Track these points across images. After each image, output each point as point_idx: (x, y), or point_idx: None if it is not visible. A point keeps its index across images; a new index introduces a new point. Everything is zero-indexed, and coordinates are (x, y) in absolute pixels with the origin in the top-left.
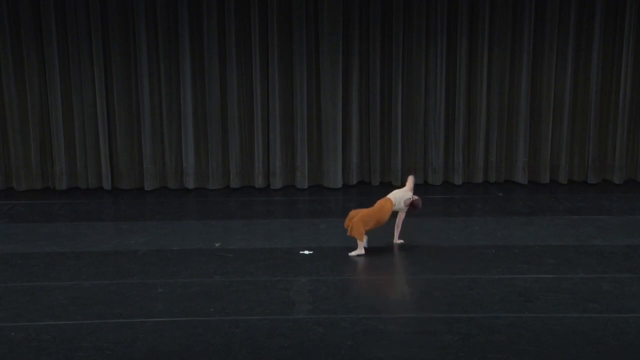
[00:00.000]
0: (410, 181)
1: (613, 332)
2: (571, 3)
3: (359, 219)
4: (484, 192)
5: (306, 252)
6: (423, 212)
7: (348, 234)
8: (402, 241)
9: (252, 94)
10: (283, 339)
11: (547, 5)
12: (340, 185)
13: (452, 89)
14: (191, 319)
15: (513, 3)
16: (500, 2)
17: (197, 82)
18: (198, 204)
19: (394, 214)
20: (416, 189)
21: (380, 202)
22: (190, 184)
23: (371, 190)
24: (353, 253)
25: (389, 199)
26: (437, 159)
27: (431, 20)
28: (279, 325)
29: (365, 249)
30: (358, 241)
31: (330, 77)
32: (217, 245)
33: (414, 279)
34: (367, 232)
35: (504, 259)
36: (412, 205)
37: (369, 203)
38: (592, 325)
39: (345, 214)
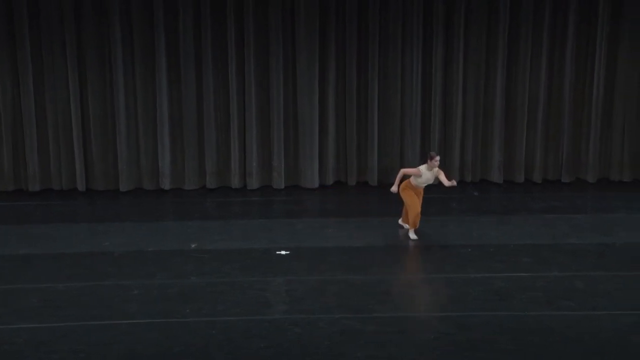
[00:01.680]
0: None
1: (587, 330)
2: (545, 6)
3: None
4: (459, 192)
5: (283, 252)
6: (400, 211)
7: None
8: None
9: (229, 95)
10: (260, 340)
11: (521, 7)
12: (316, 185)
13: (428, 89)
14: (168, 321)
15: (488, 5)
16: (476, 4)
17: (172, 82)
18: (174, 205)
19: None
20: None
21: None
22: (166, 184)
23: (347, 190)
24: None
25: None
26: (413, 159)
27: (407, 22)
28: (256, 325)
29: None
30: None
31: (306, 77)
32: (193, 246)
33: (390, 278)
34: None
35: (479, 258)
36: (429, 160)
37: (346, 203)
38: (567, 322)
39: (322, 214)
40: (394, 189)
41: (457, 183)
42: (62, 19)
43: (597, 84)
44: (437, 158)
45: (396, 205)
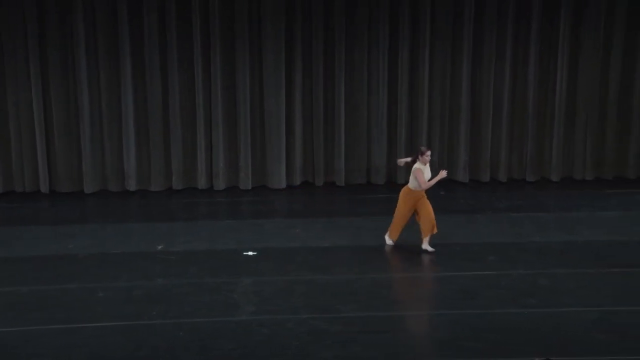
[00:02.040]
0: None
1: (551, 327)
2: (509, 6)
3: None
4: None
5: (250, 253)
6: (367, 211)
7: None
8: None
9: (195, 96)
10: (228, 341)
11: (485, 8)
12: (284, 186)
13: (394, 89)
14: (133, 323)
15: (453, 6)
16: (441, 5)
17: (137, 82)
18: (140, 206)
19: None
20: (359, 189)
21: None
22: (131, 186)
23: (315, 191)
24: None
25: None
26: (380, 158)
27: (373, 22)
28: (223, 327)
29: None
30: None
31: (273, 78)
32: (159, 247)
33: (357, 278)
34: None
35: (446, 257)
36: (419, 155)
37: (313, 203)
38: (531, 320)
39: (289, 215)
40: (437, 179)
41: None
42: (24, 19)
43: (559, 86)
44: (429, 152)
45: (363, 205)
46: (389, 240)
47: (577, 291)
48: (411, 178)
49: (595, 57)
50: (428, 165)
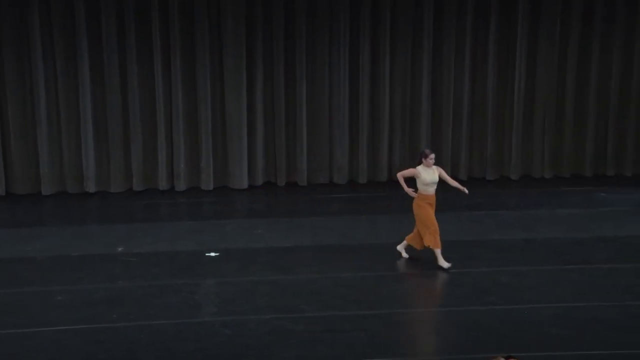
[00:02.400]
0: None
1: (513, 323)
2: (467, 6)
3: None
4: (388, 190)
5: (212, 254)
6: (329, 211)
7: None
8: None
9: (155, 96)
10: (190, 343)
11: (444, 10)
12: (246, 186)
13: (356, 89)
14: (93, 327)
15: (413, 6)
16: (401, 5)
17: (96, 83)
18: (99, 208)
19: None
20: (321, 189)
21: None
22: (90, 187)
23: (277, 191)
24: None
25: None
26: (342, 158)
27: (334, 22)
28: (185, 328)
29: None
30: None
31: (234, 78)
32: (120, 249)
33: (320, 277)
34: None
35: (408, 256)
36: (423, 158)
37: (275, 203)
38: (493, 317)
39: (251, 215)
40: (409, 191)
41: (385, 182)
42: None
43: (517, 86)
44: (432, 155)
45: (325, 204)
46: (404, 253)
47: (537, 288)
48: (418, 182)
49: (552, 57)
50: (434, 167)
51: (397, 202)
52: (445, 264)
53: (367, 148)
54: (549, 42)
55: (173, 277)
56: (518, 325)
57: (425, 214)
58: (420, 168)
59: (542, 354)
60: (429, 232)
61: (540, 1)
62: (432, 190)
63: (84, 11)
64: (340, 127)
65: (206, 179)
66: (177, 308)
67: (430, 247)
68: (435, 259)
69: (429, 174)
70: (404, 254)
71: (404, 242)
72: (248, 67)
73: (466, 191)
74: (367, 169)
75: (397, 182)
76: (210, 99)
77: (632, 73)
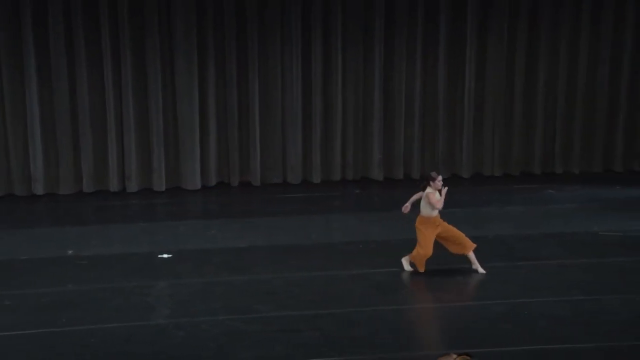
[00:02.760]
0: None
1: (466, 319)
2: (418, 7)
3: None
4: (341, 190)
5: (165, 255)
6: (283, 211)
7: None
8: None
9: (104, 95)
10: (143, 346)
11: (395, 7)
12: (199, 186)
13: (308, 88)
14: (42, 331)
15: (364, 5)
16: (352, 4)
17: (43, 82)
18: (49, 210)
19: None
20: (275, 189)
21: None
22: (39, 189)
23: (230, 191)
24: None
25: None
26: (296, 158)
27: (286, 20)
28: (138, 331)
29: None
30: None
31: (185, 77)
32: (70, 252)
33: (274, 277)
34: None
35: (362, 255)
36: (431, 182)
37: (229, 204)
38: (447, 313)
39: (205, 216)
40: (406, 207)
41: (339, 181)
42: None
43: (468, 86)
44: (440, 178)
45: (279, 204)
46: (407, 266)
47: (488, 284)
48: (423, 204)
49: (501, 58)
50: (439, 191)
51: (349, 202)
52: (407, 267)
53: (320, 148)
54: (497, 44)
55: (125, 280)
56: (471, 321)
57: (428, 234)
58: (431, 190)
59: (494, 349)
60: (421, 253)
61: (488, 4)
62: (436, 212)
63: (30, 13)
64: (293, 127)
65: (158, 179)
66: (129, 311)
67: (414, 261)
68: (403, 262)
69: (438, 198)
70: (480, 270)
71: (472, 257)
72: (199, 67)
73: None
74: (320, 168)
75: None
76: (161, 99)
77: (578, 74)
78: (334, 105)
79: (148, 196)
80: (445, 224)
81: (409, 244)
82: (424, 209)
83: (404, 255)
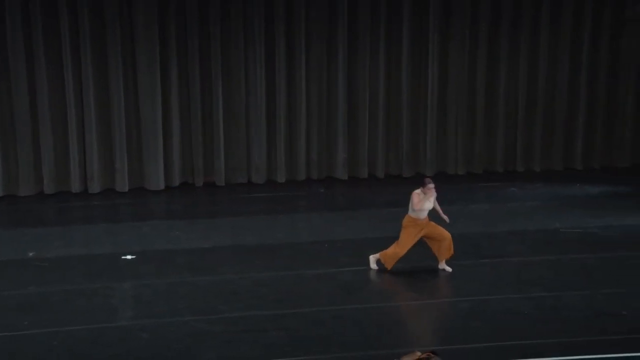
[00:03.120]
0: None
1: (432, 317)
2: (380, 6)
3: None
4: (306, 189)
5: (129, 256)
6: (248, 211)
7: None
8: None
9: (64, 95)
10: (106, 348)
11: (358, 8)
12: (162, 187)
13: (272, 88)
14: (4, 335)
15: (328, 7)
16: (316, 4)
17: (1, 83)
18: (8, 212)
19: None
20: (240, 189)
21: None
22: None
23: (194, 191)
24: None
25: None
26: (260, 157)
27: (248, 20)
28: (102, 333)
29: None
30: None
31: (147, 76)
32: (31, 254)
33: (240, 278)
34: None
35: (327, 254)
36: (423, 187)
37: (193, 204)
38: (413, 311)
39: (169, 216)
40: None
41: (304, 180)
42: None
43: (431, 85)
44: (431, 185)
45: (244, 204)
46: (373, 264)
47: (453, 282)
48: (410, 205)
49: (462, 59)
50: (433, 198)
51: (314, 201)
52: (373, 265)
53: (284, 147)
54: (459, 45)
55: (88, 281)
56: (436, 319)
57: (409, 236)
58: (419, 192)
59: (459, 346)
60: (396, 251)
61: (449, 4)
62: (423, 215)
63: None
64: (257, 127)
65: (121, 180)
66: (92, 313)
67: (382, 259)
68: (370, 259)
69: (428, 203)
70: (447, 268)
71: (375, 256)
72: (162, 67)
73: (447, 220)
74: (285, 168)
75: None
76: (123, 98)
77: (538, 75)
78: (298, 105)
79: (111, 197)
80: (434, 225)
81: (375, 243)
82: (412, 211)
83: (371, 254)
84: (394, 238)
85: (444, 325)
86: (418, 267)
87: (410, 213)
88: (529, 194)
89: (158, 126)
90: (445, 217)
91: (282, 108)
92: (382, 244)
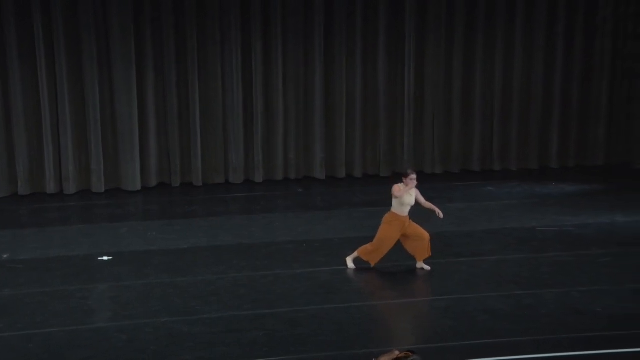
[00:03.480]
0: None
1: (409, 316)
2: (356, 5)
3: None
4: (284, 189)
5: (105, 258)
6: (226, 211)
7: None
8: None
9: (39, 94)
10: (83, 350)
11: (334, 7)
12: (139, 187)
13: (249, 88)
14: None
15: (304, 6)
16: (292, 4)
17: None
18: None
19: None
20: (217, 189)
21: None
22: None
23: (172, 192)
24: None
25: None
26: (237, 157)
27: (225, 18)
28: (78, 335)
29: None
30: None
31: (123, 76)
32: (5, 256)
33: (217, 278)
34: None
35: (305, 254)
36: (404, 178)
37: (170, 205)
38: (390, 310)
39: (146, 217)
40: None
41: (281, 180)
42: None
43: (407, 84)
44: (413, 176)
45: (221, 204)
46: (351, 264)
47: (430, 281)
48: (393, 200)
49: (439, 57)
50: (414, 192)
51: (292, 201)
52: (351, 265)
53: (262, 147)
54: (435, 44)
55: (64, 283)
56: (413, 318)
57: (389, 233)
58: (402, 185)
59: (436, 345)
60: (377, 248)
61: (425, 4)
62: (406, 211)
63: None
64: (234, 126)
65: (97, 181)
66: (69, 314)
67: (361, 255)
68: (347, 260)
69: (409, 197)
70: (426, 267)
71: (419, 261)
72: (138, 66)
73: (441, 215)
74: (262, 168)
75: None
76: (99, 98)
77: (513, 74)
78: (275, 105)
79: (87, 198)
80: (415, 225)
81: (353, 243)
82: (395, 206)
83: (348, 254)
84: (369, 237)
85: (421, 324)
86: (396, 266)
87: (393, 209)
88: (505, 193)
89: (134, 127)
90: (438, 211)
91: (260, 108)
92: (360, 244)
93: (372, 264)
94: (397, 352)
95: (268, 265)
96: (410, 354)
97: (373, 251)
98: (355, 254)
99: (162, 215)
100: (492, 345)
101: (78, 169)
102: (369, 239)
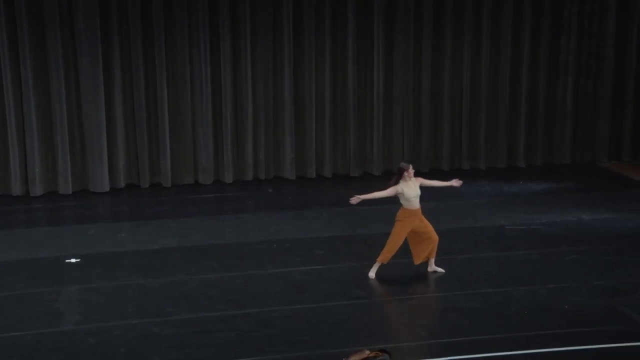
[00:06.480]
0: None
1: (380, 315)
2: (325, 5)
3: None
4: (254, 189)
5: (73, 260)
6: (196, 211)
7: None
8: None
9: (3, 96)
10: (51, 353)
11: (303, 7)
12: (107, 189)
13: (218, 88)
14: None
15: (272, 5)
16: (261, 3)
17: None
18: None
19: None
20: (187, 190)
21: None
22: None
23: (141, 192)
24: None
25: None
26: (207, 158)
27: (193, 18)
28: (47, 338)
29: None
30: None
31: (90, 76)
32: None
33: (188, 279)
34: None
35: (277, 253)
36: (400, 174)
37: (139, 206)
38: (360, 310)
39: (114, 218)
40: (355, 200)
41: (251, 180)
42: None
43: (376, 84)
44: (410, 169)
45: (191, 205)
46: (372, 274)
47: (401, 280)
48: (400, 197)
49: (408, 57)
50: (414, 179)
51: (263, 201)
52: (372, 275)
53: (231, 148)
54: (404, 44)
55: (31, 286)
56: (384, 317)
57: (401, 231)
58: (401, 185)
59: (407, 344)
60: (392, 248)
61: (394, 3)
62: (416, 203)
63: None
64: (203, 127)
65: (64, 182)
66: (36, 317)
67: (380, 261)
68: (371, 271)
69: (411, 189)
70: (439, 269)
71: (431, 261)
72: (104, 66)
73: (457, 184)
74: (232, 168)
75: (261, 180)
76: (65, 98)
77: (481, 72)
78: (244, 105)
79: (54, 200)
80: (427, 223)
81: (323, 243)
82: (404, 203)
83: (319, 253)
84: (341, 236)
85: (392, 323)
86: (366, 265)
87: (404, 205)
88: (474, 192)
89: (102, 127)
90: (454, 183)
91: (228, 108)
92: (329, 242)
93: (385, 262)
94: (367, 352)
95: (239, 265)
96: (380, 353)
97: (388, 251)
98: (377, 265)
99: (131, 216)
100: (463, 343)
101: (44, 170)
102: (339, 238)
